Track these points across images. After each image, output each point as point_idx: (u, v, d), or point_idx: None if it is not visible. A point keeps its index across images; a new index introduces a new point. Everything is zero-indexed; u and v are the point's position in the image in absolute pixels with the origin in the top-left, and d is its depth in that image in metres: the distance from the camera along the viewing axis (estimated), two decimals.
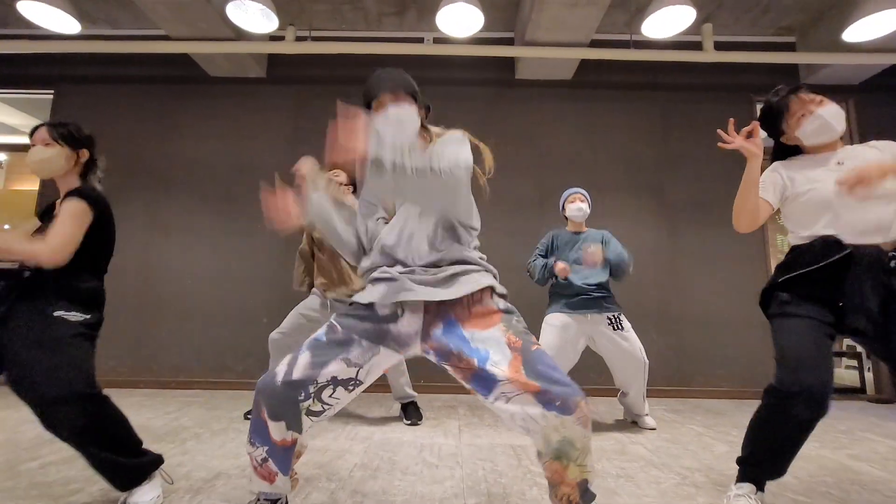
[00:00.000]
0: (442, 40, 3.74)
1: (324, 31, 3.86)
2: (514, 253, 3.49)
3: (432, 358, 1.16)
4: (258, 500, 1.22)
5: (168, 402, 2.97)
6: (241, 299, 3.61)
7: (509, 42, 3.88)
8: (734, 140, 1.48)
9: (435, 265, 1.17)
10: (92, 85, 3.87)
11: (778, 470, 1.31)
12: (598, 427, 2.51)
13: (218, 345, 3.55)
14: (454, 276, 1.15)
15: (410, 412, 2.52)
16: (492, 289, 1.18)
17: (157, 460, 1.41)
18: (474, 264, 1.20)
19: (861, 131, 3.85)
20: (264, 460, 1.13)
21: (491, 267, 1.24)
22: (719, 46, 3.68)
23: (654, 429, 2.47)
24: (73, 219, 1.36)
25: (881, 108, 3.83)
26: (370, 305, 1.16)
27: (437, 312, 1.14)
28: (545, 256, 2.50)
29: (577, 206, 2.45)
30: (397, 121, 1.23)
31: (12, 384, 1.23)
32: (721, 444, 2.20)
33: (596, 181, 3.76)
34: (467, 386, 1.12)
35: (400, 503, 1.45)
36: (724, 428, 2.52)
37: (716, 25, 3.74)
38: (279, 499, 1.24)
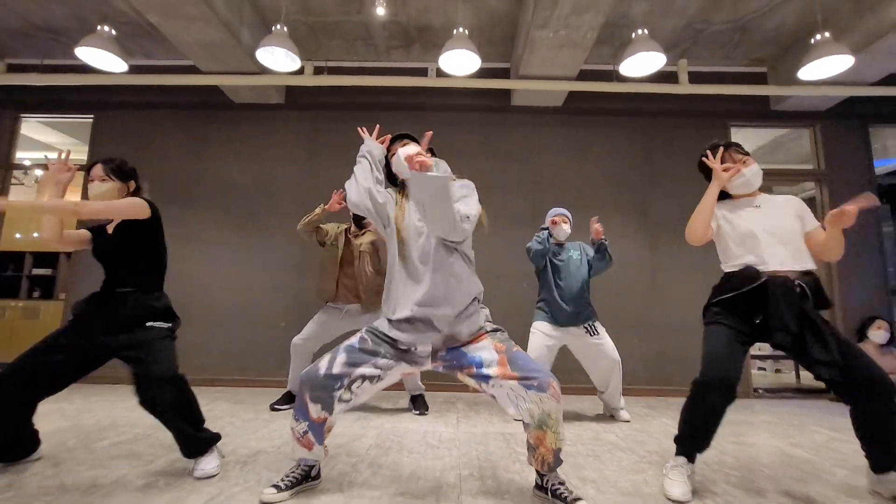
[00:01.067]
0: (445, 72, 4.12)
1: (338, 62, 4.27)
2: (509, 262, 3.86)
3: (440, 370, 1.61)
4: (299, 465, 1.60)
5: (199, 397, 3.34)
6: (261, 306, 3.99)
7: (506, 72, 4.27)
8: (714, 162, 1.85)
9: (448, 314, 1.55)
10: (129, 110, 4.28)
11: (701, 445, 1.67)
12: (578, 419, 2.87)
13: (240, 346, 3.93)
14: (465, 329, 1.56)
15: (419, 404, 2.89)
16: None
17: (217, 436, 1.79)
18: (472, 310, 1.59)
19: (826, 153, 4.22)
20: (305, 433, 1.54)
21: (483, 308, 1.64)
22: (697, 76, 4.06)
23: (628, 421, 2.82)
24: (124, 200, 1.80)
25: (844, 133, 4.20)
26: (392, 340, 1.57)
27: (443, 342, 1.57)
28: (543, 247, 2.80)
29: (562, 228, 2.83)
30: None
31: (134, 373, 1.67)
32: None
33: (583, 199, 4.14)
34: (470, 382, 1.55)
35: (408, 473, 1.81)
36: None
37: (693, 57, 4.13)
38: (314, 465, 1.62)
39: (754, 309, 1.67)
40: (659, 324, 3.98)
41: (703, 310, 1.85)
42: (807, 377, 5.01)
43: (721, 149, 1.90)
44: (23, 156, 5.17)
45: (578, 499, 1.48)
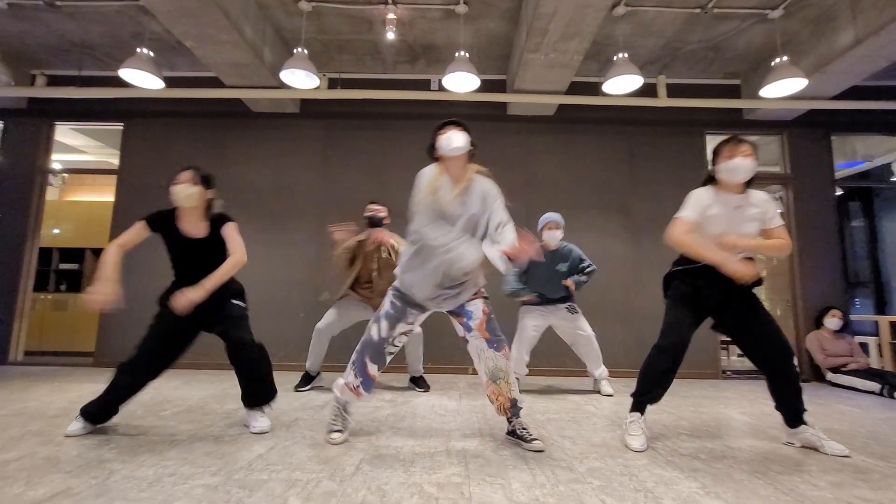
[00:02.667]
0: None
1: (349, 75, 4.65)
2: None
3: (444, 311, 2.15)
4: (339, 408, 2.14)
5: (230, 379, 3.76)
6: (281, 298, 4.41)
7: (503, 83, 4.67)
8: (735, 265, 1.99)
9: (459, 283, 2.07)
10: (155, 119, 4.66)
11: (654, 399, 2.12)
12: (563, 394, 3.32)
13: (262, 335, 4.29)
14: (464, 283, 2.06)
15: (420, 383, 3.34)
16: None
17: (276, 393, 2.31)
18: (474, 277, 2.10)
19: (792, 157, 4.65)
20: (357, 386, 2.09)
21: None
22: (676, 88, 4.48)
23: (610, 395, 3.28)
24: (238, 233, 2.31)
25: (808, 140, 4.63)
26: (415, 300, 2.10)
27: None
28: (524, 273, 3.25)
29: (553, 234, 3.20)
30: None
31: (228, 338, 2.19)
32: (652, 406, 3.00)
33: (572, 201, 4.56)
34: (458, 328, 2.11)
35: (421, 433, 2.25)
36: (666, 399, 3.31)
37: (672, 71, 4.54)
38: (348, 406, 2.15)
39: (698, 281, 2.09)
40: (639, 314, 4.43)
41: (664, 280, 2.26)
42: None
43: (726, 140, 2.08)
44: (52, 157, 5.54)
45: (535, 439, 2.00)
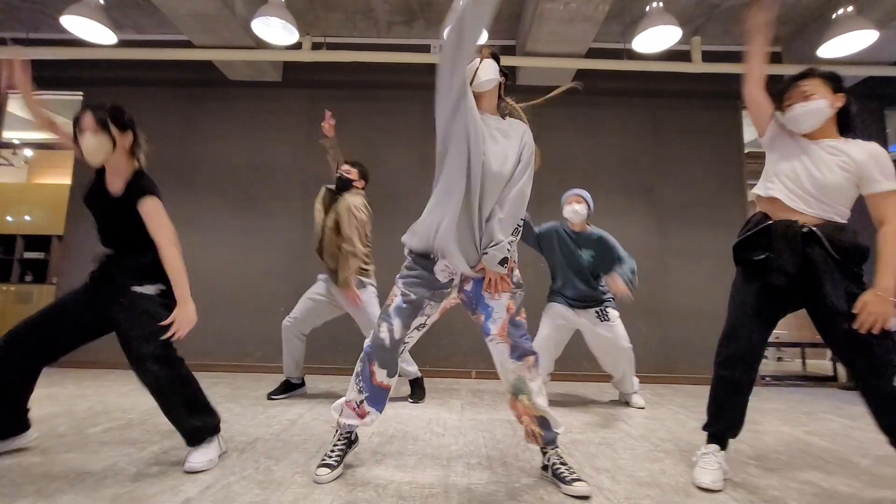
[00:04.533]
0: None
1: (337, 38, 4.11)
2: (517, 252, 3.75)
3: (460, 302, 1.65)
4: (340, 435, 1.62)
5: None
6: (259, 290, 3.88)
7: (511, 50, 4.12)
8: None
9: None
10: (119, 87, 4.11)
11: (732, 427, 1.59)
12: (585, 405, 2.80)
13: (239, 332, 3.84)
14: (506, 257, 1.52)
15: (416, 390, 2.80)
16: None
17: (216, 427, 1.68)
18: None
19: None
20: (361, 402, 1.57)
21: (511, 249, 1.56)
22: (709, 55, 3.92)
23: (642, 407, 2.75)
24: (161, 215, 1.68)
25: (859, 116, 4.07)
26: (434, 277, 1.57)
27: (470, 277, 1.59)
28: (539, 235, 2.69)
29: (573, 207, 2.59)
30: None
31: (124, 349, 1.61)
32: (693, 421, 2.48)
33: (591, 182, 4.00)
34: (477, 325, 1.61)
35: (413, 463, 1.73)
36: (699, 409, 2.76)
37: (706, 36, 3.98)
38: (352, 432, 1.65)
39: (766, 252, 1.56)
40: (666, 310, 3.90)
41: (733, 252, 1.72)
42: (812, 365, 4.96)
43: (791, 81, 1.65)
44: (10, 135, 5.01)
45: (578, 479, 1.45)
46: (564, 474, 1.48)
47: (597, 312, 2.63)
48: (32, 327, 1.64)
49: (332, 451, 1.59)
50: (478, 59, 1.57)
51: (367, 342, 1.58)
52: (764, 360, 5.97)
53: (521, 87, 4.13)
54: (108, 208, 1.68)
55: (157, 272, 1.67)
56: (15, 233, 5.48)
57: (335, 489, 1.45)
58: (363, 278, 2.67)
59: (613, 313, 2.67)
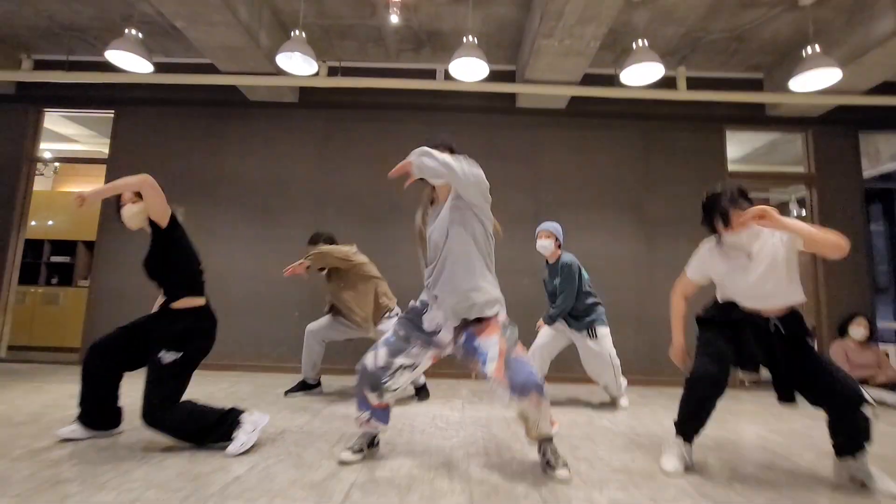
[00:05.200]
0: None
1: (350, 63, 4.43)
2: (511, 259, 4.05)
3: (458, 357, 1.90)
4: (364, 437, 1.91)
5: (220, 381, 3.57)
6: (275, 296, 4.20)
7: (512, 74, 4.43)
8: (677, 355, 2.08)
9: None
10: (148, 107, 4.45)
11: (698, 428, 1.89)
12: (575, 405, 3.09)
13: (256, 335, 4.15)
14: (473, 306, 1.80)
15: (422, 393, 3.11)
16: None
17: (233, 421, 1.95)
18: (486, 297, 1.83)
19: (817, 158, 4.40)
20: (368, 419, 1.87)
21: (498, 296, 1.86)
22: (695, 82, 4.23)
23: (625, 407, 3.05)
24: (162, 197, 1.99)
25: (835, 139, 4.38)
26: (422, 326, 1.87)
27: (462, 328, 1.85)
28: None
29: (542, 242, 2.98)
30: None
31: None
32: (669, 419, 2.76)
33: (583, 198, 4.33)
34: (476, 371, 1.82)
35: (420, 451, 2.03)
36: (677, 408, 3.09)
37: (692, 63, 4.29)
38: (375, 436, 1.96)
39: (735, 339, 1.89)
40: (652, 318, 4.19)
41: (697, 320, 2.06)
42: None
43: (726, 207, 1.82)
44: (43, 147, 5.34)
45: (565, 467, 1.75)
46: (553, 461, 1.76)
47: (587, 332, 2.94)
48: (119, 342, 2.02)
49: (356, 442, 1.90)
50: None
51: (358, 365, 1.87)
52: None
53: (521, 109, 4.44)
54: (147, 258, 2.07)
55: (185, 337, 1.97)
56: (42, 238, 5.81)
57: (357, 469, 1.76)
58: (389, 312, 3.03)
59: (602, 330, 2.96)
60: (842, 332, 4.04)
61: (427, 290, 1.91)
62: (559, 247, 3.01)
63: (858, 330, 3.94)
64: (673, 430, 1.95)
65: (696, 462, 1.97)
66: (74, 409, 2.52)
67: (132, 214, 2.02)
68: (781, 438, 2.46)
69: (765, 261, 1.83)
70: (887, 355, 4.89)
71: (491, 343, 1.75)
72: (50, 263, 5.85)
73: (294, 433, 2.23)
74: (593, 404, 3.17)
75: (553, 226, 3.01)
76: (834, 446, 1.83)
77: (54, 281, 5.83)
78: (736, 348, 1.89)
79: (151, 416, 1.86)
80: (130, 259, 4.14)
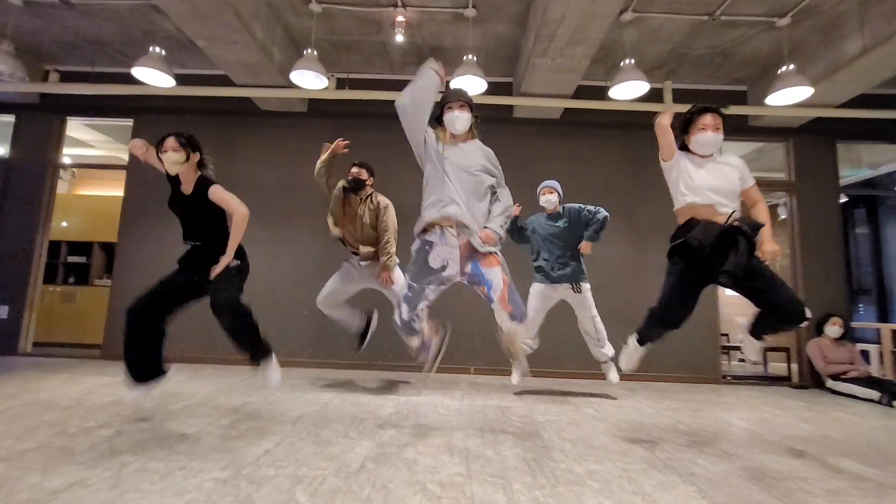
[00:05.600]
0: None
1: (357, 75, 4.69)
2: (509, 259, 4.31)
3: (465, 282, 2.29)
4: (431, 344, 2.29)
5: (235, 374, 3.83)
6: (286, 296, 4.46)
7: (509, 85, 4.69)
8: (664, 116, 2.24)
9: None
10: (165, 115, 4.71)
11: (653, 338, 2.34)
12: (564, 396, 3.36)
13: (269, 330, 4.39)
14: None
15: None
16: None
17: (269, 351, 2.39)
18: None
19: (797, 164, 4.66)
20: (424, 333, 2.27)
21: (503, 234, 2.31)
22: (682, 93, 4.49)
23: (615, 383, 3.35)
24: (225, 191, 2.37)
25: (814, 147, 4.64)
26: (429, 266, 2.24)
27: (468, 258, 2.23)
28: (521, 230, 3.43)
29: (546, 198, 3.35)
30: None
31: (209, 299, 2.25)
32: (651, 409, 3.04)
33: (575, 203, 4.58)
34: (482, 295, 2.24)
35: (424, 432, 2.30)
36: (662, 401, 3.35)
37: (679, 76, 4.55)
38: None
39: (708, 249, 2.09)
40: (641, 316, 4.44)
41: (668, 254, 2.29)
42: (773, 368, 5.51)
43: (699, 111, 2.28)
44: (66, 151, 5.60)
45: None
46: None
47: (571, 286, 3.24)
48: (150, 299, 2.33)
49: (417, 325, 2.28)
50: (456, 109, 2.26)
51: (391, 324, 2.29)
52: (734, 363, 6.55)
53: (518, 118, 4.71)
54: (184, 207, 2.37)
55: (240, 252, 2.40)
56: (59, 239, 6.07)
57: (370, 446, 2.02)
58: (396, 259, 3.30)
59: (584, 286, 3.29)
60: (819, 330, 4.32)
61: (436, 207, 2.24)
62: (560, 201, 3.40)
63: (833, 328, 4.22)
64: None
65: (664, 440, 2.24)
66: (110, 397, 2.81)
67: (173, 161, 2.31)
68: (748, 425, 2.72)
69: (721, 176, 2.20)
70: (862, 353, 5.18)
71: (495, 274, 2.15)
72: (67, 263, 6.12)
73: (311, 417, 2.49)
74: (581, 395, 3.44)
75: (555, 183, 3.41)
76: (752, 327, 2.21)
77: (71, 280, 6.09)
78: (703, 273, 2.12)
79: (222, 307, 2.18)
80: (150, 258, 4.41)
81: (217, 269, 2.27)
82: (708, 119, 2.21)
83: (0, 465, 1.65)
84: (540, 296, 3.32)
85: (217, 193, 2.33)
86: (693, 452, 2.12)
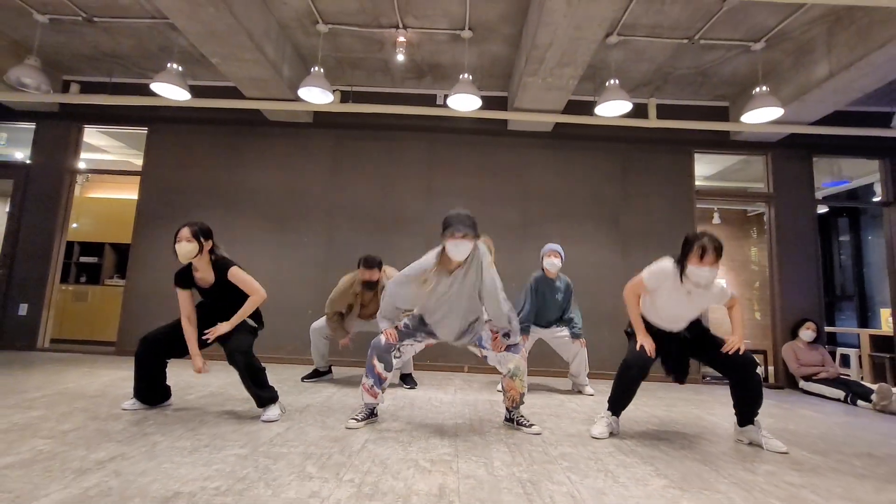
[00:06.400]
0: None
1: (360, 88, 4.96)
2: (503, 267, 4.56)
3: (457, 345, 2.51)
4: (365, 408, 2.41)
5: None
6: (291, 296, 4.71)
7: (503, 100, 4.96)
8: (641, 339, 2.44)
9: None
10: (177, 125, 4.97)
11: (624, 404, 2.41)
12: (549, 391, 3.61)
13: (273, 330, 4.65)
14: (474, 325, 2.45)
15: (409, 380, 3.61)
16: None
17: (275, 398, 2.48)
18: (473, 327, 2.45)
19: (776, 176, 4.92)
20: (372, 386, 2.38)
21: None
22: (667, 109, 4.76)
23: (592, 395, 3.57)
24: (247, 275, 2.53)
25: (791, 161, 4.91)
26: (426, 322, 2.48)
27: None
28: (534, 301, 3.58)
29: (552, 261, 3.54)
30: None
31: (224, 348, 2.42)
32: (630, 405, 3.28)
33: (567, 211, 4.85)
34: (475, 351, 2.46)
35: (419, 420, 2.55)
36: (641, 398, 3.60)
37: (664, 93, 4.82)
38: (374, 407, 2.44)
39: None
40: (626, 319, 4.69)
41: (626, 333, 2.59)
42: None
43: (696, 246, 2.22)
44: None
45: (534, 425, 2.36)
46: (524, 422, 2.39)
47: (570, 335, 3.57)
48: (163, 336, 2.54)
49: (358, 413, 2.41)
50: (459, 238, 2.20)
51: (373, 341, 2.41)
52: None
53: (512, 131, 4.97)
54: (209, 292, 2.56)
55: (256, 315, 2.62)
56: (72, 240, 6.32)
57: (368, 431, 2.27)
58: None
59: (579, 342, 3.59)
60: (793, 334, 4.58)
61: (430, 320, 2.47)
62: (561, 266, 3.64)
63: (807, 332, 4.47)
64: (605, 406, 2.48)
65: (633, 430, 2.50)
66: (130, 389, 3.06)
67: (186, 252, 2.44)
68: (715, 418, 2.98)
69: (698, 304, 2.35)
70: (843, 356, 5.44)
71: (485, 330, 2.44)
72: (79, 263, 6.37)
73: (317, 406, 2.74)
74: (565, 392, 3.69)
75: (560, 248, 3.63)
76: (737, 417, 2.36)
77: (83, 280, 6.34)
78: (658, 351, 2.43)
79: (234, 354, 2.36)
80: (161, 260, 4.67)
81: (213, 333, 2.47)
82: (709, 257, 2.17)
83: (49, 443, 1.90)
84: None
85: (236, 275, 2.49)
86: (658, 440, 2.37)
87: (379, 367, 2.37)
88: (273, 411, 2.44)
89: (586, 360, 3.61)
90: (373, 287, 3.48)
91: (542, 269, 3.60)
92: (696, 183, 4.95)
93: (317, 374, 3.67)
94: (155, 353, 2.51)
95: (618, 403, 2.43)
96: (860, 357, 5.50)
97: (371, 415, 2.45)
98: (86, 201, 6.67)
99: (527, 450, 2.10)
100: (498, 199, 4.87)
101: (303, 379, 3.64)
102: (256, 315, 2.63)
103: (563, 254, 3.62)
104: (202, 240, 2.46)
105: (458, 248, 2.22)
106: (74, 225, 6.44)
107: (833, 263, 7.04)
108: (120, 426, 2.18)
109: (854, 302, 6.71)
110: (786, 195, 4.88)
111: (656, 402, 3.48)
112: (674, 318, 2.43)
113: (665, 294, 2.38)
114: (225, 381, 3.40)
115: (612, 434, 2.40)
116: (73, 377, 3.39)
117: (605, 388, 3.88)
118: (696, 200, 4.86)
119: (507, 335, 2.39)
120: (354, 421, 2.35)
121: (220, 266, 2.51)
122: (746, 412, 2.35)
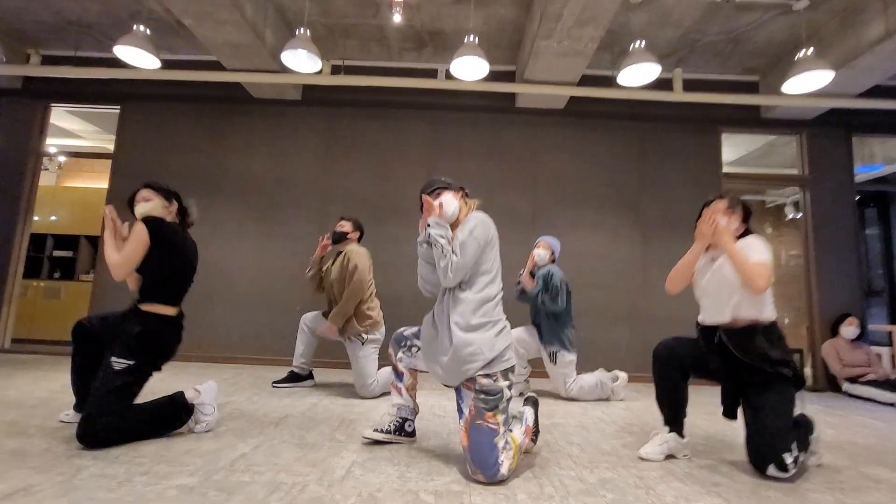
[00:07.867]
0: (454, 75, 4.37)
1: (353, 62, 4.51)
2: (508, 257, 4.12)
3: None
4: (396, 414, 1.93)
5: (222, 373, 3.63)
6: (278, 290, 4.26)
7: (511, 74, 4.51)
8: (702, 224, 1.94)
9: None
10: (153, 102, 4.52)
11: (670, 414, 1.95)
12: (571, 398, 3.16)
13: (259, 328, 4.21)
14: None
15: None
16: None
17: (179, 412, 1.92)
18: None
19: (811, 160, 4.48)
20: (395, 380, 1.93)
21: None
22: (692, 83, 4.31)
23: (622, 399, 3.15)
24: (133, 242, 1.91)
25: (828, 140, 4.46)
26: None
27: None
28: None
29: (538, 251, 3.21)
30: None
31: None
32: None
33: (580, 197, 4.41)
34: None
35: (420, 434, 2.10)
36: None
37: (689, 65, 4.37)
38: (409, 419, 1.94)
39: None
40: (646, 316, 4.26)
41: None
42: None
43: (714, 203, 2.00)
44: (48, 142, 5.40)
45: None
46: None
47: (549, 354, 3.10)
48: (94, 329, 2.05)
49: (389, 423, 1.93)
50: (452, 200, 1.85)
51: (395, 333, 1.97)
52: None
53: (521, 108, 4.52)
54: None
55: (137, 342, 1.88)
56: (45, 232, 5.87)
57: (358, 450, 1.83)
58: (365, 334, 2.88)
59: (565, 359, 3.06)
60: (833, 331, 4.13)
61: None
62: (553, 260, 3.24)
63: (849, 329, 4.03)
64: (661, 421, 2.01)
65: (685, 453, 2.05)
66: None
67: (146, 210, 2.06)
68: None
69: (729, 278, 1.86)
70: (879, 356, 4.99)
71: (466, 400, 1.68)
72: (52, 257, 5.91)
73: (297, 418, 2.30)
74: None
75: (552, 240, 3.27)
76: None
77: (56, 275, 5.89)
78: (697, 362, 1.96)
79: (90, 437, 1.69)
80: None
81: None
82: (715, 204, 2.01)
83: None
84: (521, 331, 3.23)
85: (133, 230, 1.96)
86: (714, 461, 1.93)
87: (400, 353, 1.94)
88: (200, 426, 1.98)
89: (585, 383, 3.08)
90: (339, 239, 3.01)
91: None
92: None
93: (293, 379, 3.12)
94: (90, 349, 1.99)
95: (663, 411, 1.98)
96: (893, 356, 5.07)
97: (401, 430, 1.92)
98: (60, 191, 6.22)
99: (556, 475, 1.65)
100: (506, 185, 4.42)
101: (274, 383, 3.10)
102: (148, 334, 1.91)
103: (555, 247, 3.25)
104: (165, 197, 2.11)
105: (449, 204, 1.84)
106: (53, 217, 6.00)
107: (859, 257, 6.59)
108: (43, 445, 1.73)
109: (885, 298, 6.28)
110: (822, 179, 4.43)
111: (693, 409, 3.01)
112: (713, 304, 1.93)
113: (700, 272, 2.00)
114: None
115: (669, 457, 1.93)
116: (20, 382, 2.94)
117: (626, 394, 3.44)
118: (724, 184, 4.40)
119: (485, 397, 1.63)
120: (376, 433, 1.89)
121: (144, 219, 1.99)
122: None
